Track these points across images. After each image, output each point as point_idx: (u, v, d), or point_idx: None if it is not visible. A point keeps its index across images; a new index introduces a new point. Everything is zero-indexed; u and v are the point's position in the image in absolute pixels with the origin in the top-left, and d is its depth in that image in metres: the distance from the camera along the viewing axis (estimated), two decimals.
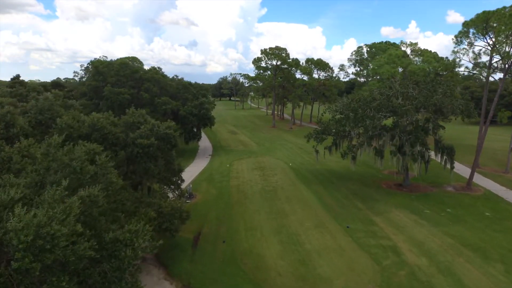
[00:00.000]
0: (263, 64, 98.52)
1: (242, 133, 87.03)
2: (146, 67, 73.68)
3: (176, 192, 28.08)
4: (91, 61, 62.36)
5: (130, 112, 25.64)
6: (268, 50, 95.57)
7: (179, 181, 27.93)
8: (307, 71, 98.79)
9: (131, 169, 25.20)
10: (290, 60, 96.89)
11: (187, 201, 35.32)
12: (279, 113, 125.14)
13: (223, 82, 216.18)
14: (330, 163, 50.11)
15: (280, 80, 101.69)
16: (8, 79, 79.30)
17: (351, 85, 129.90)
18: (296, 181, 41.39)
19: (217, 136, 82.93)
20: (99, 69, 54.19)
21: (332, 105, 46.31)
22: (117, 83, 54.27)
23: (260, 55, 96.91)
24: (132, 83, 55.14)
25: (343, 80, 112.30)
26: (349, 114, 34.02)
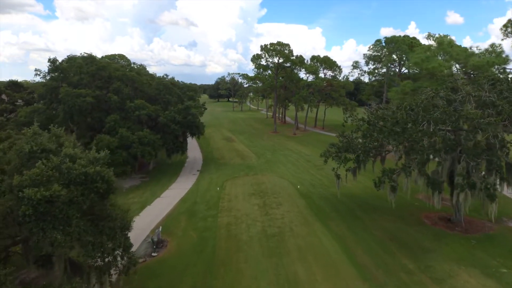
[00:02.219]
0: (263, 62, 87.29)
1: (239, 140, 75.94)
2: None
3: (122, 262, 17.00)
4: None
5: (29, 133, 14.55)
6: (269, 46, 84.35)
7: (125, 243, 16.83)
8: (313, 69, 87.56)
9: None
10: (294, 57, 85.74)
11: (152, 254, 24.32)
12: (280, 116, 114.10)
13: (221, 82, 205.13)
14: (347, 184, 39.01)
15: (282, 80, 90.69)
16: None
17: (355, 86, 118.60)
18: (308, 216, 30.33)
19: (210, 144, 71.80)
20: (58, 65, 43.13)
21: (354, 112, 35.51)
22: (81, 83, 43.24)
23: (260, 52, 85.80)
24: (100, 82, 44.08)
25: (350, 79, 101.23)
26: (391, 126, 23.07)
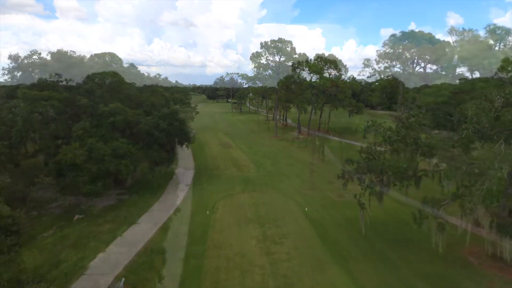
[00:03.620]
0: (263, 61, 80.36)
1: (237, 146, 68.95)
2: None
3: None
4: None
5: None
6: (269, 43, 77.58)
7: None
8: (317, 69, 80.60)
9: None
10: (296, 55, 78.91)
11: None
12: (281, 117, 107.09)
13: (219, 82, 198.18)
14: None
15: (283, 80, 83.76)
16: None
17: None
18: (322, 256, 23.39)
19: (205, 150, 64.80)
20: (20, 63, 36.29)
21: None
22: (48, 85, 36.40)
23: (260, 50, 78.92)
24: (71, 83, 37.21)
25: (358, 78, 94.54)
26: (441, 143, 16.29)
